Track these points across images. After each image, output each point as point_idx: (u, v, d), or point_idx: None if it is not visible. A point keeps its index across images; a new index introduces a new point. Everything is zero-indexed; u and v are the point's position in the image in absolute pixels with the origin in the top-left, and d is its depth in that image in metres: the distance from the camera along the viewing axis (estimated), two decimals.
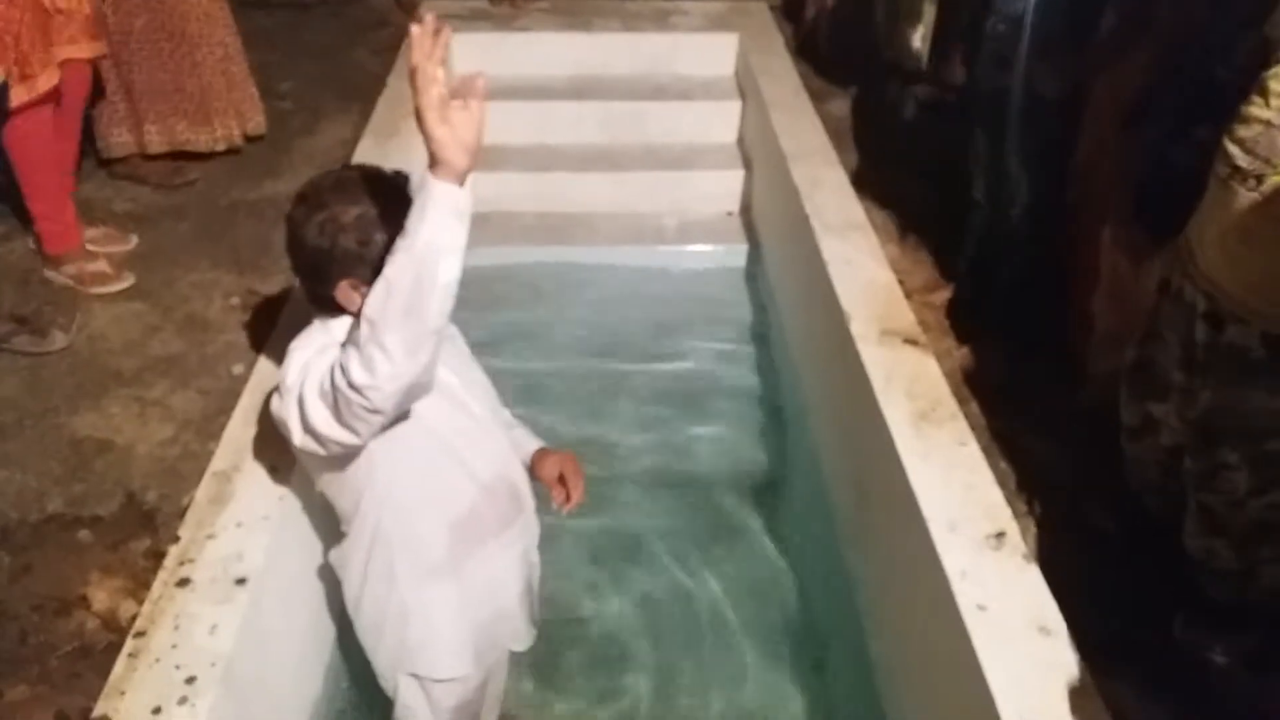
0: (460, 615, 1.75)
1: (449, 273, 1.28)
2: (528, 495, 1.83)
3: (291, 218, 1.51)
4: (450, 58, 4.62)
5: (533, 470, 1.90)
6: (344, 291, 1.50)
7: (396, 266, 1.27)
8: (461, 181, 1.26)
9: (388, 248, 1.33)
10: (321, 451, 1.49)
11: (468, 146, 1.24)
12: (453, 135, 1.22)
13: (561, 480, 1.88)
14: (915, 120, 3.70)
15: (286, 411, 1.48)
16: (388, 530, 1.65)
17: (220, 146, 3.38)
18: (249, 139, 3.49)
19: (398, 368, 1.31)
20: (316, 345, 1.51)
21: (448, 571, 1.70)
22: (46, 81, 2.57)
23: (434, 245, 1.26)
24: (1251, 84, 1.56)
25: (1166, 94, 2.14)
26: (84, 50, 2.71)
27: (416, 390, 1.40)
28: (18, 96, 2.50)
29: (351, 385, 1.33)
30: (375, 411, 1.37)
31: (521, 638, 1.95)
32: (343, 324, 1.54)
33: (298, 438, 1.48)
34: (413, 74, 1.21)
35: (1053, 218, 2.63)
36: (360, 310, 1.34)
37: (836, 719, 2.37)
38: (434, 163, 1.25)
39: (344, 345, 1.37)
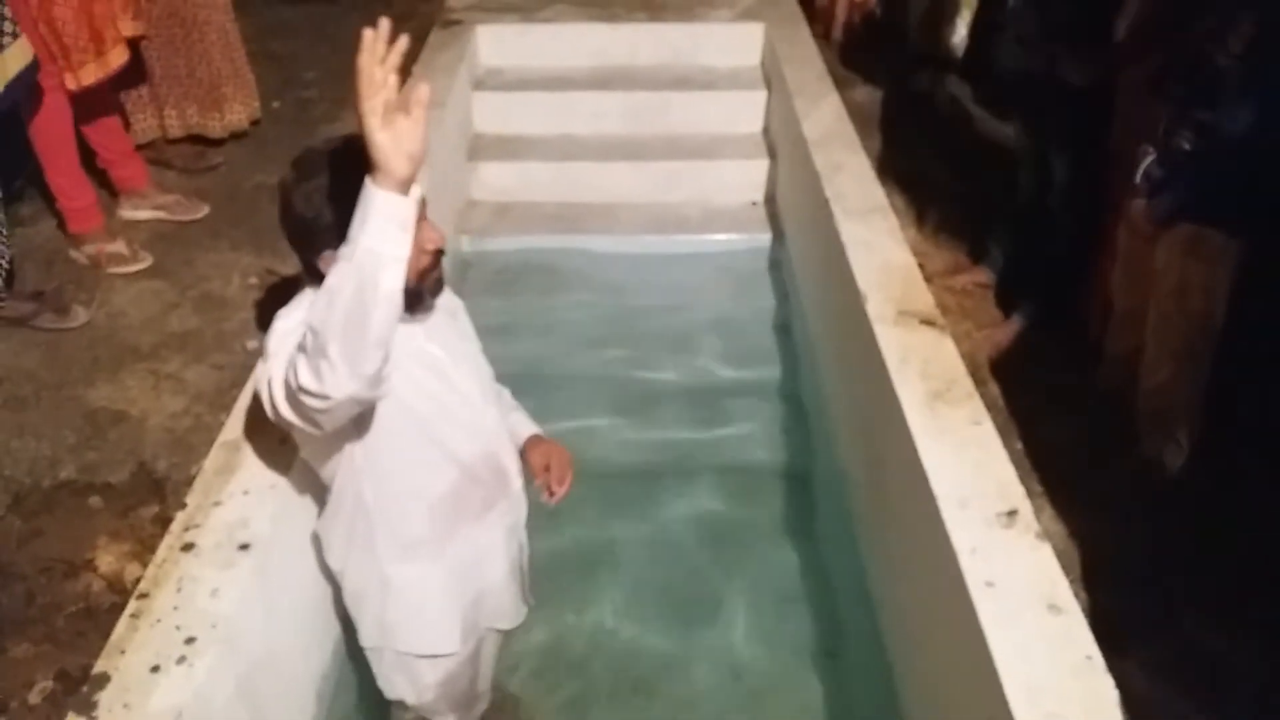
0: (443, 593, 1.73)
1: (390, 282, 1.23)
2: (515, 475, 1.80)
3: (283, 183, 1.49)
4: (474, 49, 4.52)
5: (523, 456, 1.87)
6: (326, 261, 1.45)
7: (337, 274, 1.23)
8: (405, 190, 1.22)
9: None
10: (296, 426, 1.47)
11: (411, 154, 1.19)
12: (395, 141, 1.17)
13: (548, 470, 1.84)
14: (947, 109, 3.67)
15: (260, 385, 1.47)
16: (368, 503, 1.63)
17: (229, 132, 3.43)
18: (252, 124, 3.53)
19: (340, 380, 1.27)
20: (299, 317, 1.47)
21: (429, 550, 1.69)
22: (117, 58, 2.59)
23: (374, 254, 1.21)
24: (1250, 70, 1.52)
25: (1174, 78, 2.12)
26: (129, 28, 2.75)
27: (367, 400, 1.38)
28: (91, 74, 2.53)
29: (301, 389, 1.30)
30: (326, 412, 1.34)
31: (511, 615, 1.93)
32: None
33: (270, 413, 1.46)
34: (358, 76, 1.16)
35: (1088, 201, 2.60)
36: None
37: (849, 701, 2.34)
38: (375, 169, 1.20)
39: (297, 347, 1.33)
